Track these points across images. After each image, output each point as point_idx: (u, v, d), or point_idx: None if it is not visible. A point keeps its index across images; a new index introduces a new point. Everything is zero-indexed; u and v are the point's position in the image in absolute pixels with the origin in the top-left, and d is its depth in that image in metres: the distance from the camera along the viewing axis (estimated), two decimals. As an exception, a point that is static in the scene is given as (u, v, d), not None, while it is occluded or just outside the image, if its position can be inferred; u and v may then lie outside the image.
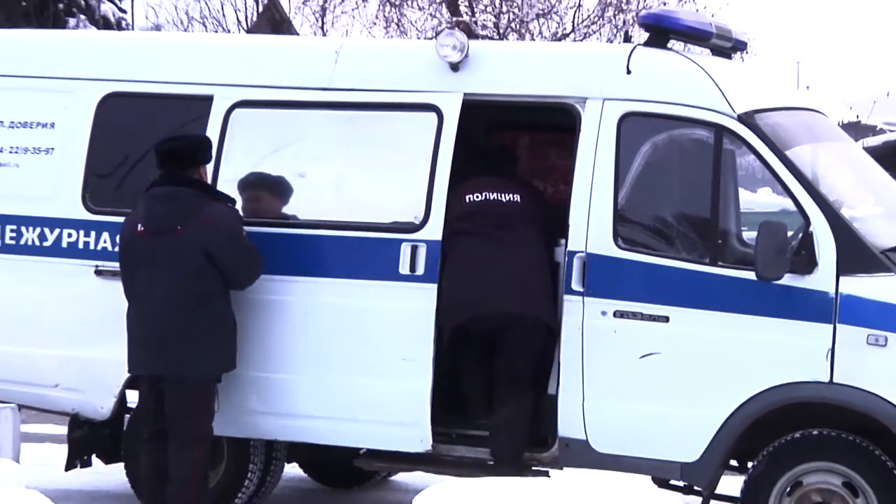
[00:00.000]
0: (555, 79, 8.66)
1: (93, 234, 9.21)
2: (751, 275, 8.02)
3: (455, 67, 8.72)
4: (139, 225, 8.60)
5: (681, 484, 8.49)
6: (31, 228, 9.34)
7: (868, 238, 8.08)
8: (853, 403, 7.94)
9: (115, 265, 8.86)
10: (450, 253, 8.55)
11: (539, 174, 9.62)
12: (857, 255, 7.98)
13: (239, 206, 8.86)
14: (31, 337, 9.28)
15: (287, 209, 9.03)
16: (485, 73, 8.72)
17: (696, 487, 8.44)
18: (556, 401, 8.44)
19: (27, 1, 27.02)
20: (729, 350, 8.13)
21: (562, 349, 8.39)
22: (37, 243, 9.32)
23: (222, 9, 33.19)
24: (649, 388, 8.25)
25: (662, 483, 8.59)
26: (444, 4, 30.66)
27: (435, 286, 8.51)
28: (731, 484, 8.57)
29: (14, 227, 9.38)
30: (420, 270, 8.55)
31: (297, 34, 29.68)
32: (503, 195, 8.79)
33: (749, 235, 8.48)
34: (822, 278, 7.98)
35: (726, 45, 9.07)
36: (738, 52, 9.38)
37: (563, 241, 8.48)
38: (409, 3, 31.11)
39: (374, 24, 31.19)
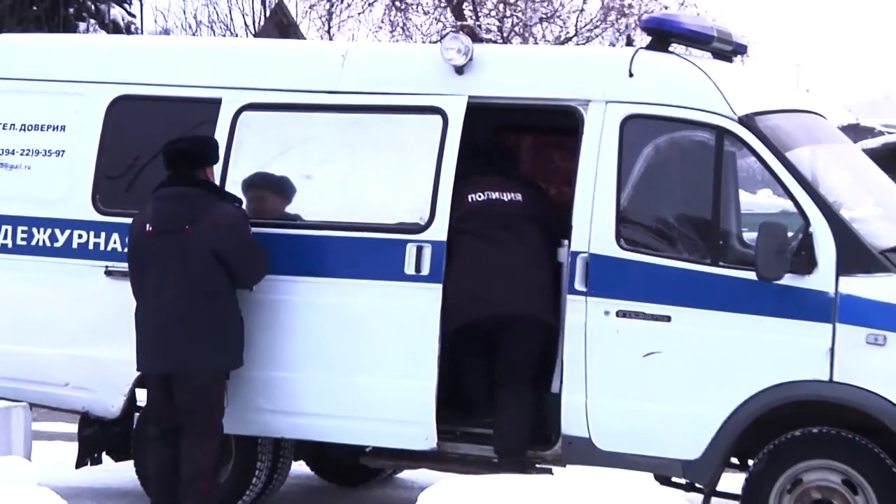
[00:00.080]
0: (558, 82, 8.66)
1: (103, 235, 9.21)
2: (751, 275, 8.02)
3: (460, 71, 8.72)
4: (147, 225, 8.61)
5: (682, 481, 8.49)
6: (42, 229, 9.35)
7: (867, 239, 8.07)
8: (853, 402, 7.94)
9: (125, 265, 8.87)
10: (452, 254, 8.56)
11: (542, 176, 9.61)
12: (856, 255, 7.98)
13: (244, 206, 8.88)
14: (41, 336, 9.28)
15: (294, 210, 9.03)
16: (489, 77, 8.72)
17: (697, 485, 8.43)
18: (559, 399, 8.43)
19: (38, 6, 27.03)
20: (730, 349, 8.12)
21: (565, 348, 8.39)
22: (48, 244, 9.33)
23: (230, 13, 33.22)
24: (651, 387, 8.24)
25: (664, 480, 8.59)
26: (448, 9, 30.69)
27: (440, 286, 8.51)
28: (732, 481, 8.56)
29: (25, 228, 9.39)
30: (425, 271, 8.55)
31: (304, 38, 29.70)
32: (505, 194, 8.79)
33: (749, 236, 8.47)
34: (822, 278, 7.97)
35: (727, 49, 9.07)
36: (739, 56, 9.38)
37: (566, 242, 8.47)
38: (415, 7, 31.15)
39: (380, 28, 31.25)
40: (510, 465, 8.49)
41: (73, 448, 9.53)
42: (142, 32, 29.93)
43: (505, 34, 29.87)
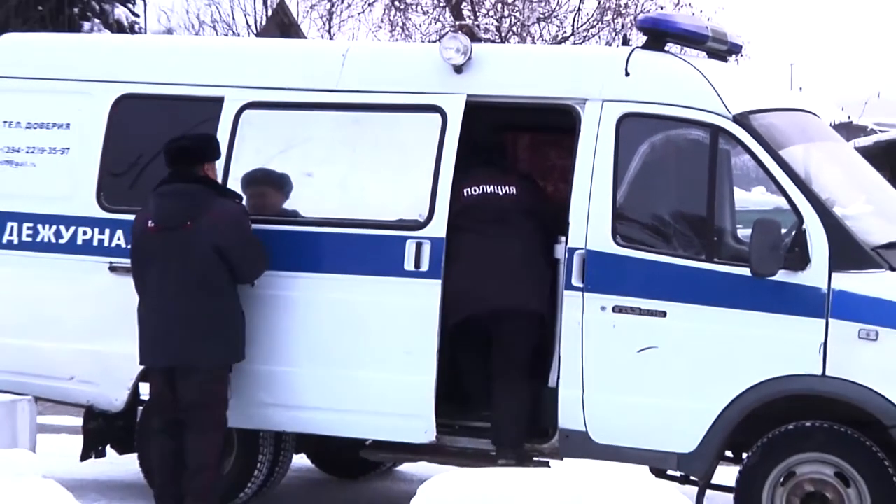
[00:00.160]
0: (555, 81, 8.66)
1: (107, 231, 9.21)
2: (746, 271, 8.02)
3: (458, 70, 8.72)
4: (149, 221, 8.62)
5: (677, 474, 8.49)
6: (47, 226, 9.35)
7: (859, 235, 8.07)
8: (845, 396, 7.94)
9: (129, 262, 8.87)
10: (449, 249, 8.56)
11: (540, 174, 9.61)
12: (848, 251, 7.98)
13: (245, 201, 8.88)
14: (46, 331, 9.28)
15: (295, 207, 9.03)
16: (487, 76, 8.72)
17: (692, 477, 8.43)
18: (556, 393, 8.44)
19: (43, 6, 26.99)
20: (724, 344, 8.13)
21: (562, 343, 8.40)
22: (53, 241, 9.33)
23: (232, 13, 33.20)
24: (647, 381, 8.24)
25: (660, 473, 8.59)
26: (447, 9, 30.65)
27: (439, 282, 8.51)
28: (726, 474, 8.57)
29: (31, 224, 9.39)
30: (424, 267, 8.56)
31: (305, 38, 29.67)
32: (500, 188, 8.80)
33: (744, 233, 8.47)
34: (815, 274, 7.97)
35: (722, 48, 9.07)
36: (733, 55, 9.38)
37: (563, 239, 8.48)
38: (414, 7, 31.09)
39: (380, 27, 31.18)
40: (507, 456, 8.49)
41: (77, 441, 9.53)
42: (145, 32, 29.89)
43: (503, 34, 29.83)
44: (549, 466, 8.70)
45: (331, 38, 30.39)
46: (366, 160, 8.92)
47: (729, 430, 8.14)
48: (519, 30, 30.19)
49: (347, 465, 10.31)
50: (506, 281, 8.60)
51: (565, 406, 8.39)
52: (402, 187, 8.84)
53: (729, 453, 8.61)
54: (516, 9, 30.37)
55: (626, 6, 30.44)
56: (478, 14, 30.26)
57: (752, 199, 18.10)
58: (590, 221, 8.35)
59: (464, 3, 30.56)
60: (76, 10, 27.84)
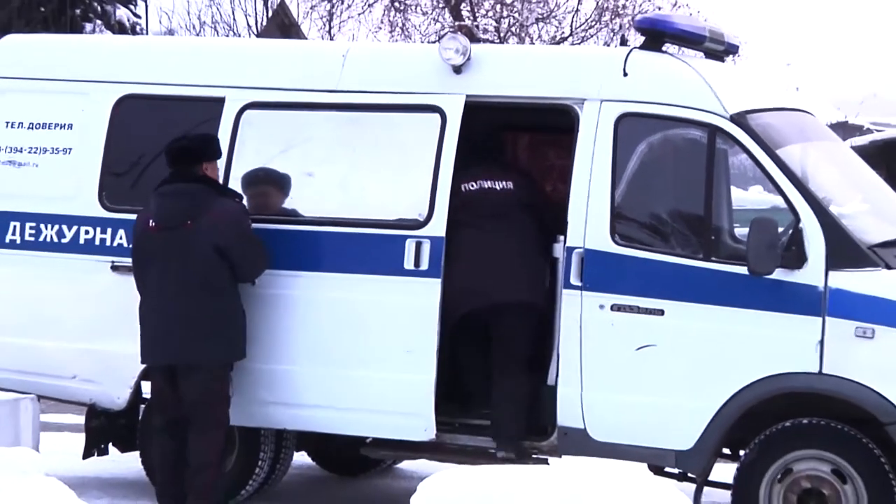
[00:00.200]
0: (554, 81, 8.66)
1: (109, 230, 9.21)
2: (743, 269, 8.03)
3: (458, 70, 8.72)
4: (150, 221, 8.63)
5: (675, 471, 8.49)
6: (49, 226, 9.35)
7: (856, 234, 8.07)
8: (842, 393, 7.94)
9: (131, 261, 8.87)
10: (448, 245, 8.56)
11: (538, 174, 9.61)
12: (845, 250, 7.98)
13: (246, 201, 8.88)
14: (49, 330, 9.28)
15: (296, 207, 9.03)
16: (486, 76, 8.72)
17: (690, 474, 8.43)
18: (555, 391, 8.44)
19: (45, 7, 26.99)
20: (722, 342, 8.13)
21: (561, 341, 8.40)
22: (55, 240, 9.33)
23: (233, 14, 33.20)
24: (645, 379, 8.24)
25: (658, 470, 8.59)
26: (446, 9, 30.65)
27: (439, 281, 8.52)
28: (724, 471, 8.57)
29: (33, 224, 9.39)
30: (424, 265, 8.56)
31: (306, 38, 29.66)
32: (497, 183, 8.82)
33: (741, 232, 8.47)
34: (812, 273, 7.97)
35: (719, 49, 9.07)
36: (731, 55, 9.38)
37: (561, 238, 8.48)
38: (414, 7, 31.10)
39: (380, 28, 31.19)
40: (507, 450, 8.50)
41: (80, 439, 9.53)
42: (147, 33, 29.89)
43: (502, 34, 29.83)
44: (547, 464, 8.70)
45: (331, 39, 30.40)
46: (366, 160, 8.92)
47: (726, 428, 8.14)
48: (518, 30, 30.19)
49: (348, 462, 10.31)
50: (505, 275, 8.62)
51: (564, 404, 8.39)
52: (402, 187, 8.84)
53: (726, 450, 8.60)
54: (515, 9, 30.38)
55: (624, 7, 30.45)
56: (477, 15, 30.27)
57: (749, 198, 18.08)
58: (588, 221, 8.35)
59: (463, 4, 30.56)
60: (78, 11, 27.84)
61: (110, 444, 9.53)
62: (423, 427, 8.57)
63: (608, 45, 28.16)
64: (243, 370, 8.78)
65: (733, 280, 8.08)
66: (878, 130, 26.20)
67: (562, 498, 5.80)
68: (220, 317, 8.58)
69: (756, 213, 8.27)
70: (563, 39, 30.20)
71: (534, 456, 8.68)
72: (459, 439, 8.80)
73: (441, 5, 30.79)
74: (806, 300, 7.96)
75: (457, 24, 28.73)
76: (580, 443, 8.37)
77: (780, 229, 8.03)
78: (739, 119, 8.27)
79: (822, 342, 7.93)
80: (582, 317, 8.32)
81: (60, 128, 9.44)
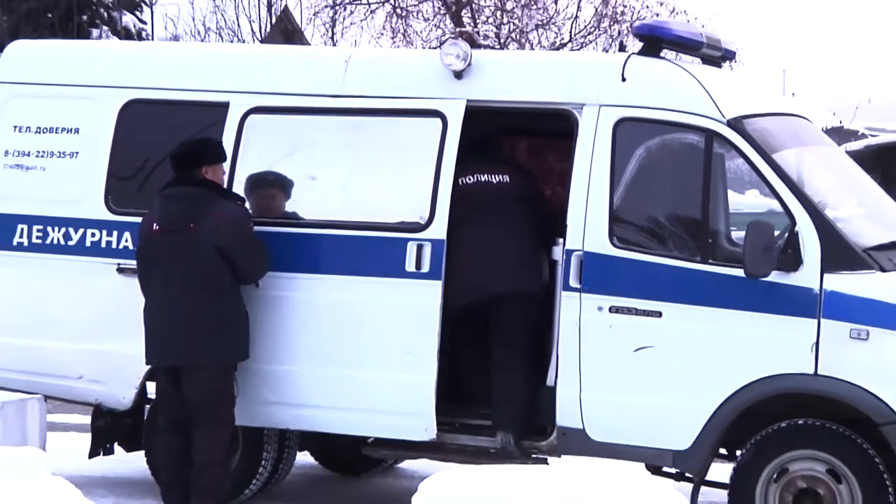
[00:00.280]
0: (553, 86, 8.65)
1: (115, 233, 9.21)
2: (739, 272, 8.02)
3: (458, 75, 8.72)
4: (154, 224, 8.63)
5: (673, 471, 8.48)
6: (56, 228, 9.35)
7: (851, 237, 8.07)
8: (836, 394, 7.94)
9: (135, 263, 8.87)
10: (447, 238, 8.56)
11: (538, 177, 9.60)
12: (840, 253, 7.98)
13: (250, 204, 8.89)
14: (56, 331, 9.28)
15: (299, 210, 9.02)
16: (487, 81, 8.72)
17: (687, 474, 8.43)
18: (554, 392, 8.43)
19: (53, 13, 27.01)
20: (719, 344, 8.12)
21: (560, 343, 8.39)
22: (62, 242, 9.33)
23: (237, 20, 33.16)
24: (643, 380, 8.24)
25: (655, 470, 8.58)
26: (447, 16, 30.67)
27: (440, 283, 8.51)
28: (720, 471, 8.56)
29: (41, 227, 9.39)
30: (425, 268, 8.55)
31: (309, 44, 29.67)
32: (494, 177, 8.84)
33: (738, 235, 8.47)
34: (807, 275, 7.97)
35: (716, 54, 9.07)
36: (727, 61, 9.37)
37: (560, 241, 8.48)
38: (415, 14, 31.13)
39: (382, 34, 31.22)
40: (506, 430, 8.47)
41: (86, 439, 9.53)
42: (152, 39, 29.90)
43: (502, 40, 29.84)
44: (547, 463, 8.69)
45: (334, 45, 30.40)
46: (368, 164, 8.92)
47: (723, 428, 8.13)
48: (518, 36, 30.21)
49: (350, 462, 10.30)
50: (504, 267, 8.65)
51: (563, 404, 8.39)
52: (404, 190, 8.83)
53: (723, 450, 8.60)
54: (515, 16, 30.40)
55: (623, 13, 30.48)
56: (477, 21, 30.29)
57: (745, 201, 18.05)
58: (587, 224, 8.35)
59: (464, 11, 30.59)
60: (85, 17, 27.86)
61: (116, 444, 9.53)
62: (423, 427, 8.57)
63: (607, 51, 28.17)
64: (247, 371, 8.78)
65: (730, 282, 8.08)
66: (872, 135, 26.20)
67: (561, 497, 5.80)
68: (222, 318, 8.58)
69: (752, 217, 8.25)
70: (563, 45, 30.21)
71: (533, 456, 8.67)
72: (460, 439, 8.79)
73: (442, 12, 30.81)
74: (801, 302, 7.96)
75: (458, 30, 28.73)
76: (579, 443, 8.36)
77: (776, 232, 8.02)
78: (736, 124, 8.26)
79: (817, 344, 7.93)
80: (581, 318, 8.32)
81: (67, 132, 9.43)
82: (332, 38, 31.55)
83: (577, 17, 30.73)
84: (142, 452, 9.44)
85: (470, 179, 8.78)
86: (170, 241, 8.54)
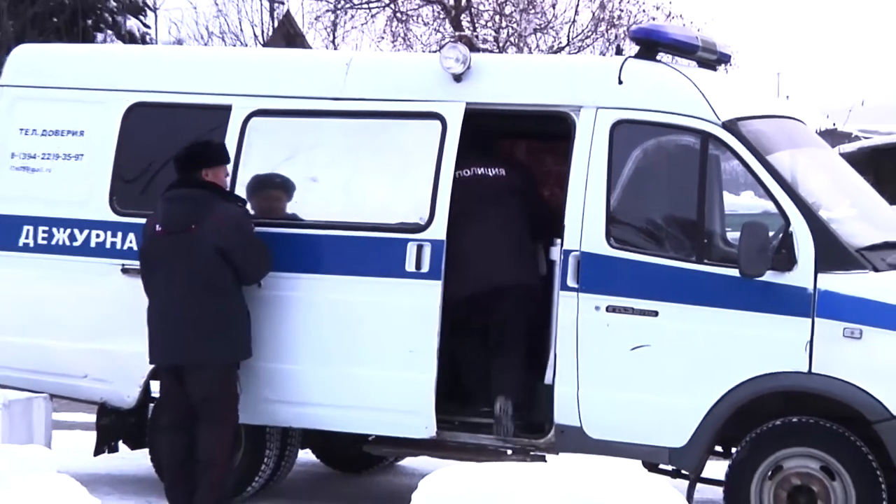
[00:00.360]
0: (551, 89, 8.66)
1: (119, 234, 9.21)
2: (734, 272, 8.02)
3: (458, 78, 8.72)
4: (157, 225, 8.63)
5: (669, 468, 8.48)
6: (61, 229, 9.35)
7: (844, 238, 8.07)
8: (830, 392, 7.94)
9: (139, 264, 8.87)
10: (448, 233, 8.56)
11: (537, 179, 9.60)
12: (834, 253, 7.98)
13: (253, 205, 8.89)
14: (61, 331, 9.28)
15: (301, 211, 9.02)
16: (486, 84, 8.72)
17: (683, 471, 8.43)
18: (552, 390, 8.43)
19: (58, 17, 27.01)
20: (714, 342, 8.12)
21: (557, 342, 8.39)
22: (67, 243, 9.33)
23: (240, 24, 33.20)
24: (640, 379, 8.24)
25: (652, 467, 8.57)
26: (447, 20, 30.67)
27: (439, 283, 8.51)
28: (716, 468, 8.56)
29: (46, 228, 9.39)
30: (425, 268, 8.55)
31: (310, 48, 29.67)
32: (490, 170, 8.88)
33: (733, 235, 8.47)
34: (802, 275, 7.97)
35: (711, 58, 9.06)
36: (723, 64, 9.37)
37: (558, 241, 8.48)
38: (415, 18, 31.13)
39: (382, 38, 31.21)
40: (505, 395, 8.49)
41: (91, 437, 9.53)
42: (156, 43, 29.92)
43: (501, 44, 29.83)
44: (545, 461, 8.68)
45: (335, 49, 30.40)
46: (369, 165, 8.92)
47: (719, 426, 8.13)
48: (516, 40, 30.20)
49: (351, 459, 10.30)
50: (505, 259, 8.67)
51: (561, 402, 8.39)
52: (404, 191, 8.84)
53: (719, 448, 8.60)
54: (513, 20, 30.40)
55: (619, 17, 30.46)
56: (476, 25, 30.28)
57: (740, 202, 18.09)
58: (584, 224, 8.35)
59: (463, 15, 30.58)
60: (90, 21, 27.88)
61: (120, 442, 9.53)
62: (423, 425, 8.57)
63: (604, 55, 28.17)
64: (249, 369, 8.78)
65: (725, 282, 8.08)
66: (865, 137, 26.17)
67: (560, 494, 5.80)
68: (224, 317, 8.58)
69: (747, 218, 8.26)
70: (561, 49, 30.20)
71: (532, 453, 8.67)
72: (459, 437, 8.79)
73: (442, 16, 30.81)
74: (795, 302, 7.96)
75: (457, 34, 28.71)
76: (576, 440, 8.36)
77: (771, 233, 8.02)
78: (731, 126, 8.26)
79: (811, 342, 7.93)
80: (578, 318, 8.32)
81: (72, 134, 9.44)
82: (333, 41, 31.56)
83: (574, 21, 30.74)
84: (146, 450, 9.44)
85: (467, 172, 8.80)
86: (172, 242, 8.54)
